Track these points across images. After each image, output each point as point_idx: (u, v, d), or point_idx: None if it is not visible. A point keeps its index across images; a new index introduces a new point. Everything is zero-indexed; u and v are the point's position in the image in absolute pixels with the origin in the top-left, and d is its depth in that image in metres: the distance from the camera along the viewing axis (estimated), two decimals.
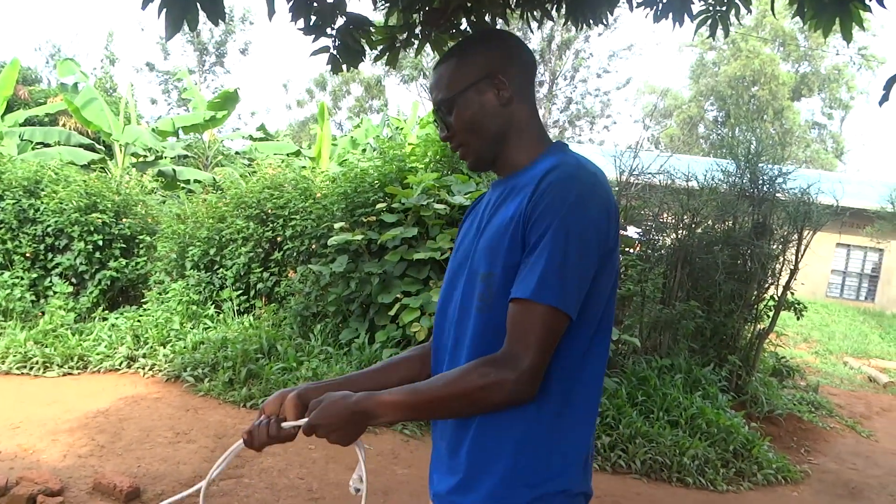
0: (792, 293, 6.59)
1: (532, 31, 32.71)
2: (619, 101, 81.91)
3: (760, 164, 6.73)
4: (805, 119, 36.89)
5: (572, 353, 1.23)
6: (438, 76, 1.37)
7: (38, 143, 13.04)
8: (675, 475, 4.55)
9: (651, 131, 38.77)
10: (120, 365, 5.88)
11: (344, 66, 3.22)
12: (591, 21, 3.88)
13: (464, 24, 3.49)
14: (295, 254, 6.97)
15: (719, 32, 3.85)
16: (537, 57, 36.01)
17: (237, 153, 17.07)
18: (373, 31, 3.24)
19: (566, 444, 1.24)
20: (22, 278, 7.16)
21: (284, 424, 1.31)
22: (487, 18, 3.61)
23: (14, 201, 7.37)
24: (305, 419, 1.26)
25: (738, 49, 34.10)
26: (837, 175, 22.92)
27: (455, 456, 1.29)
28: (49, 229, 7.36)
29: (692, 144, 36.02)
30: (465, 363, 1.24)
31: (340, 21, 3.06)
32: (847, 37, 3.48)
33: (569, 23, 3.95)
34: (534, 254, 1.18)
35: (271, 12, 2.86)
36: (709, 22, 3.83)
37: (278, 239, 7.11)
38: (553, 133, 36.29)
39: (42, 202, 7.43)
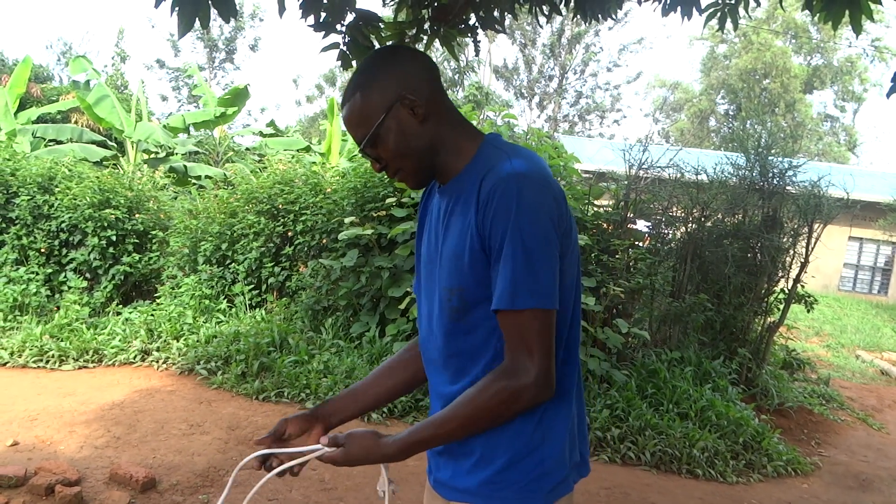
0: (802, 286, 6.58)
1: (541, 26, 32.64)
2: (630, 96, 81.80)
3: (770, 157, 6.71)
4: (817, 112, 36.67)
5: (556, 344, 1.28)
6: (349, 114, 1.34)
7: (50, 141, 13.16)
8: (684, 467, 4.57)
9: (661, 125, 38.63)
10: (134, 358, 5.95)
11: (353, 62, 3.25)
12: (600, 15, 3.89)
13: (472, 20, 3.52)
14: (306, 248, 7.02)
15: (728, 25, 3.85)
16: (548, 51, 35.95)
17: (247, 149, 17.18)
18: (382, 27, 3.27)
19: (553, 431, 1.30)
20: (37, 273, 7.26)
21: (301, 451, 1.38)
22: (496, 14, 3.63)
23: (29, 198, 7.46)
24: (325, 448, 1.34)
25: (749, 42, 33.89)
26: (848, 168, 22.76)
27: (455, 445, 1.35)
28: (63, 225, 7.44)
29: (703, 138, 35.86)
30: (459, 375, 1.31)
31: (350, 17, 3.10)
32: (857, 29, 3.48)
33: (578, 17, 3.96)
34: (499, 262, 1.21)
35: (282, 9, 2.90)
36: (718, 15, 3.83)
37: (289, 234, 7.16)
38: (563, 127, 36.24)
39: (56, 198, 7.52)
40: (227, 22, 2.80)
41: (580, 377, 1.39)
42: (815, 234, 6.45)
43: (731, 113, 35.78)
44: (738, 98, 34.66)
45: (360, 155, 1.30)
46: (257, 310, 6.87)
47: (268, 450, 1.40)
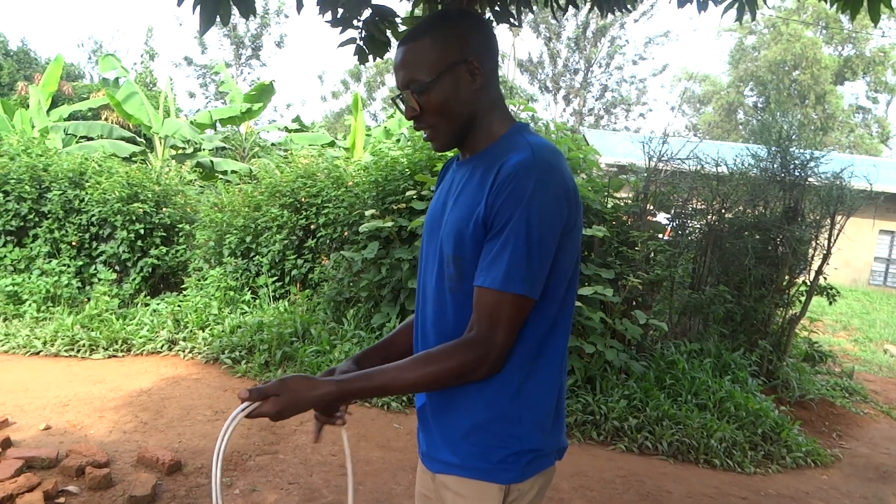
0: (825, 278, 6.52)
1: (557, 20, 32.39)
2: (656, 88, 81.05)
3: (792, 149, 6.65)
4: (849, 103, 35.99)
5: (536, 330, 1.32)
6: (409, 53, 1.34)
7: (81, 137, 13.45)
8: (702, 457, 4.58)
9: (688, 118, 38.23)
10: (161, 348, 6.12)
11: (370, 57, 3.33)
12: (616, 8, 3.91)
13: (487, 14, 3.56)
14: (328, 241, 7.13)
15: (748, 15, 3.82)
16: (573, 44, 35.73)
17: (273, 145, 17.36)
18: (398, 21, 3.34)
19: (532, 409, 1.33)
20: (69, 266, 7.46)
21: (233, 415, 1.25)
22: (512, 8, 3.67)
23: (60, 192, 7.66)
24: (248, 405, 1.23)
25: (778, 33, 33.36)
26: (873, 159, 22.30)
27: (435, 419, 1.40)
28: (93, 219, 7.64)
29: (730, 131, 35.41)
30: (442, 343, 1.31)
31: (367, 13, 3.17)
32: (875, 18, 3.46)
33: (595, 9, 3.98)
34: (498, 242, 1.25)
35: (300, 6, 2.98)
36: (735, 6, 3.81)
37: (312, 227, 7.27)
38: (589, 121, 36.01)
39: (86, 193, 7.71)
40: (247, 19, 2.89)
41: (566, 361, 1.42)
42: (837, 226, 6.38)
43: (759, 105, 35.27)
44: (766, 90, 34.16)
45: (397, 99, 1.29)
46: (280, 301, 7.00)
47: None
